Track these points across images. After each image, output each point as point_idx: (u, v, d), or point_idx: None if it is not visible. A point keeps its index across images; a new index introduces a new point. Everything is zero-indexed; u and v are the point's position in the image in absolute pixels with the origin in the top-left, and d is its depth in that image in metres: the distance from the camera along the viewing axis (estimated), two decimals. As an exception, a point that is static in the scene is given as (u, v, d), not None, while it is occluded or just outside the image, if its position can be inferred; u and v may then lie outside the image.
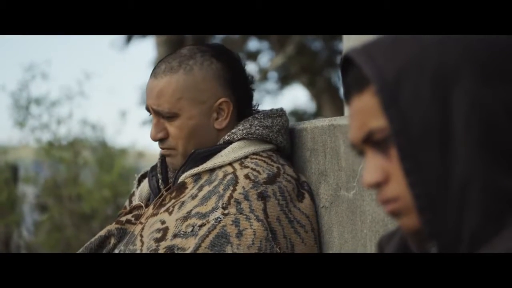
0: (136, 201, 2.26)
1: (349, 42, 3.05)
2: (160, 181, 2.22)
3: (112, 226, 2.20)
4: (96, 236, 2.20)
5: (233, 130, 2.15)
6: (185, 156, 2.14)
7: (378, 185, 1.06)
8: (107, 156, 7.15)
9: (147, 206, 2.21)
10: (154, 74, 2.16)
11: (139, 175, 2.35)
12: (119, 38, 11.46)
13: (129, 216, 2.21)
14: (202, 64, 2.13)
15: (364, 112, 1.06)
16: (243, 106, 2.19)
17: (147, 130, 2.20)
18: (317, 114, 11.69)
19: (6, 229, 6.90)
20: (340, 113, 8.80)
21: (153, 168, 2.26)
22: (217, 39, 10.84)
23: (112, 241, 2.18)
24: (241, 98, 2.18)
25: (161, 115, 2.13)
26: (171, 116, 2.12)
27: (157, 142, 2.17)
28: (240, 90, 2.17)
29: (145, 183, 2.28)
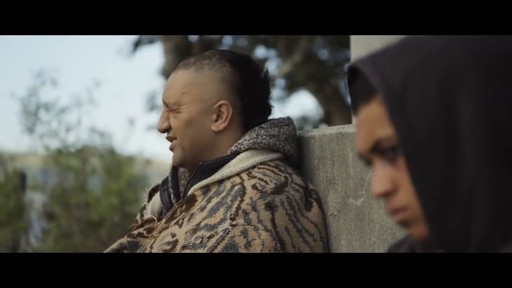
0: (148, 214, 2.26)
1: (357, 50, 3.05)
2: (172, 195, 2.22)
3: (124, 240, 2.19)
4: (108, 249, 2.19)
5: (239, 141, 2.14)
6: (183, 149, 2.17)
7: (386, 195, 1.06)
8: (115, 163, 7.15)
9: (159, 220, 2.21)
10: (174, 68, 2.23)
11: (150, 189, 2.35)
12: (127, 45, 11.48)
13: (141, 230, 2.21)
14: (215, 65, 2.16)
15: (371, 121, 1.06)
16: (251, 115, 2.18)
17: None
18: (325, 122, 11.68)
19: (13, 236, 6.91)
20: (348, 121, 8.79)
21: (164, 182, 2.27)
22: (225, 47, 10.84)
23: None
24: (250, 107, 2.17)
25: (168, 107, 2.18)
26: (174, 109, 2.17)
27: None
28: (250, 98, 2.17)
29: (157, 197, 2.28)
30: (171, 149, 2.21)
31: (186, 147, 2.17)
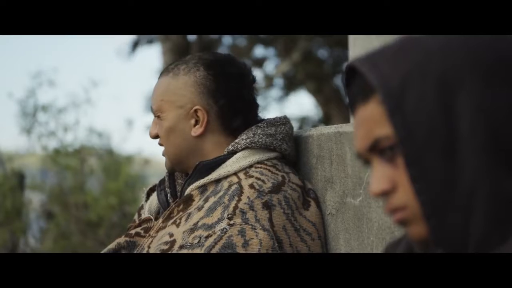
0: (145, 214, 2.26)
1: (355, 50, 3.05)
2: (169, 195, 2.22)
3: (122, 239, 2.20)
4: (106, 249, 2.19)
5: (236, 140, 2.14)
6: (169, 156, 2.18)
7: (385, 194, 1.06)
8: (113, 163, 7.16)
9: (156, 219, 2.21)
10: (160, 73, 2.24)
11: (148, 189, 2.35)
12: (126, 46, 11.49)
13: (138, 229, 2.21)
14: (190, 70, 2.16)
15: (370, 121, 1.06)
16: (229, 117, 2.16)
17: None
18: (324, 123, 11.68)
19: (12, 236, 6.91)
20: (347, 120, 8.79)
21: (161, 182, 2.27)
22: (224, 46, 10.84)
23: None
24: (226, 109, 2.16)
25: (153, 113, 2.20)
26: (157, 116, 2.19)
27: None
28: (225, 100, 2.15)
29: (154, 196, 2.28)
30: (163, 155, 2.22)
31: (170, 154, 2.18)
